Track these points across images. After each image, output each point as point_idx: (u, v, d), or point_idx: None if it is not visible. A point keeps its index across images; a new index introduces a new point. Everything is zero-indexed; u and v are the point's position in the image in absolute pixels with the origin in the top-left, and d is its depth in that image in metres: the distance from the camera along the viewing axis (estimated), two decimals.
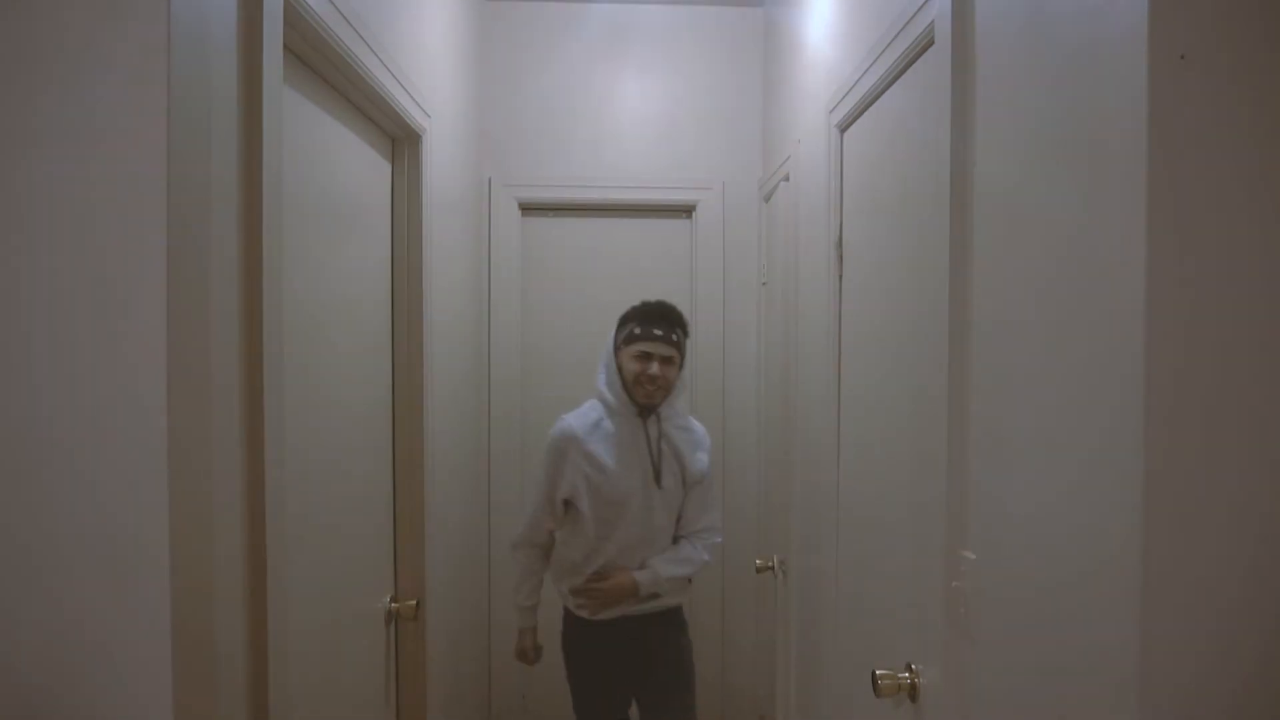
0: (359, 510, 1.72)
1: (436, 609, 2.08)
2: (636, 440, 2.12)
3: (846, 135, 1.85)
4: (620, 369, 2.13)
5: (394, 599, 1.92)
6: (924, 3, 1.30)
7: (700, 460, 2.19)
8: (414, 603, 1.92)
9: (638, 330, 2.12)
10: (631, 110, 3.05)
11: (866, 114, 1.70)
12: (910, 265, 1.42)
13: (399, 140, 1.93)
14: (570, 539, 2.16)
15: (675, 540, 2.19)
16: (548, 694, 3.12)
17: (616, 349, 2.15)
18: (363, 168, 1.75)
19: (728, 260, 3.05)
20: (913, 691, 1.34)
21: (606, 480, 2.07)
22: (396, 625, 1.93)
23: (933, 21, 1.26)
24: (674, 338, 2.12)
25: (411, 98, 1.85)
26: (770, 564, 2.55)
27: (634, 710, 2.25)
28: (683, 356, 2.17)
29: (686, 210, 3.08)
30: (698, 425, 2.27)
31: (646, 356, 2.09)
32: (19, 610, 0.88)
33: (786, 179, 2.45)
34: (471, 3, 2.74)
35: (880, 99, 1.61)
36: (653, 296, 2.21)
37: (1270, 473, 0.75)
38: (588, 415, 2.15)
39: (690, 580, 2.22)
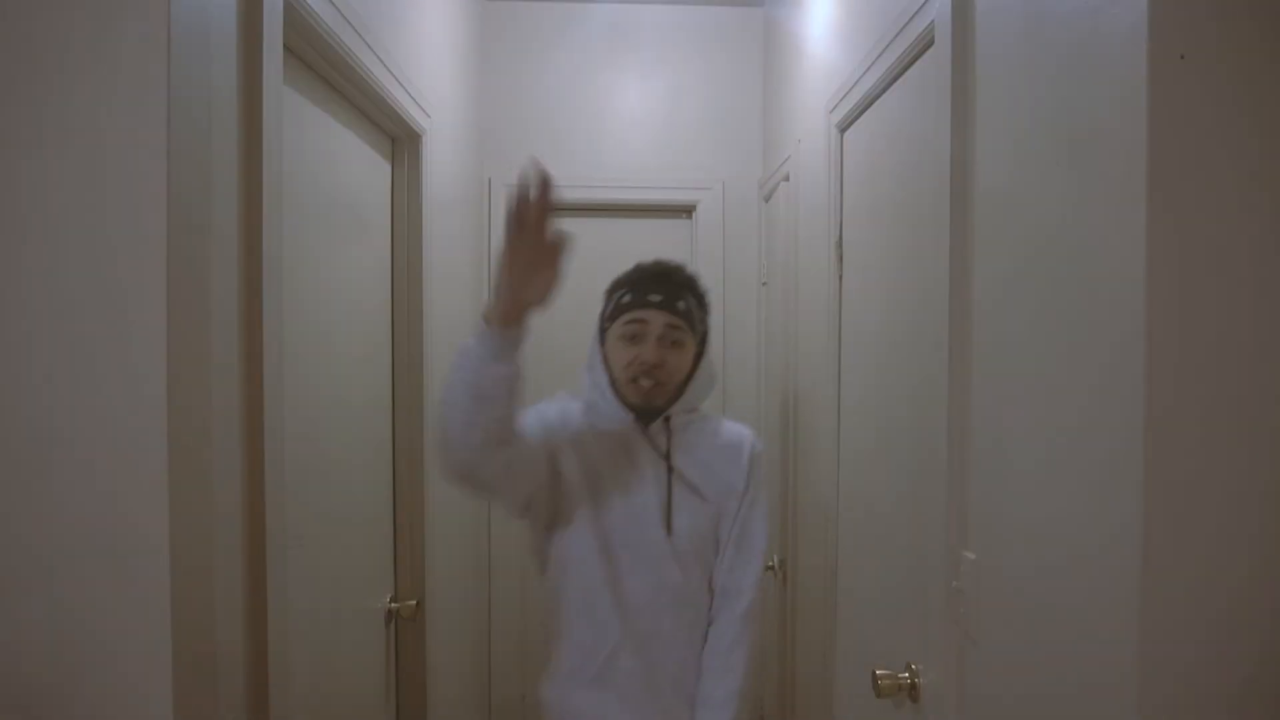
0: (359, 510, 1.72)
1: (436, 609, 2.08)
2: (634, 461, 1.44)
3: (847, 135, 1.85)
4: (606, 359, 1.47)
5: (394, 599, 1.92)
6: (924, 3, 1.30)
7: (734, 480, 1.47)
8: (414, 602, 1.92)
9: (627, 298, 1.45)
10: (631, 110, 3.05)
11: (867, 114, 1.70)
12: (910, 265, 1.42)
13: (399, 140, 1.93)
14: (560, 593, 1.43)
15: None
16: None
17: (603, 331, 1.49)
18: (363, 168, 1.75)
19: (728, 260, 3.05)
20: (913, 691, 1.34)
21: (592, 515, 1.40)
22: (396, 625, 1.93)
23: (932, 21, 1.26)
24: (680, 306, 1.44)
25: (411, 98, 1.85)
26: (771, 563, 2.55)
27: None
28: (699, 337, 1.48)
29: (686, 210, 3.08)
30: (734, 429, 1.55)
31: (639, 331, 1.42)
32: (20, 609, 0.88)
33: (786, 179, 2.45)
34: (471, 3, 2.74)
35: (880, 99, 1.61)
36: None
37: (1270, 472, 0.75)
38: (566, 414, 1.49)
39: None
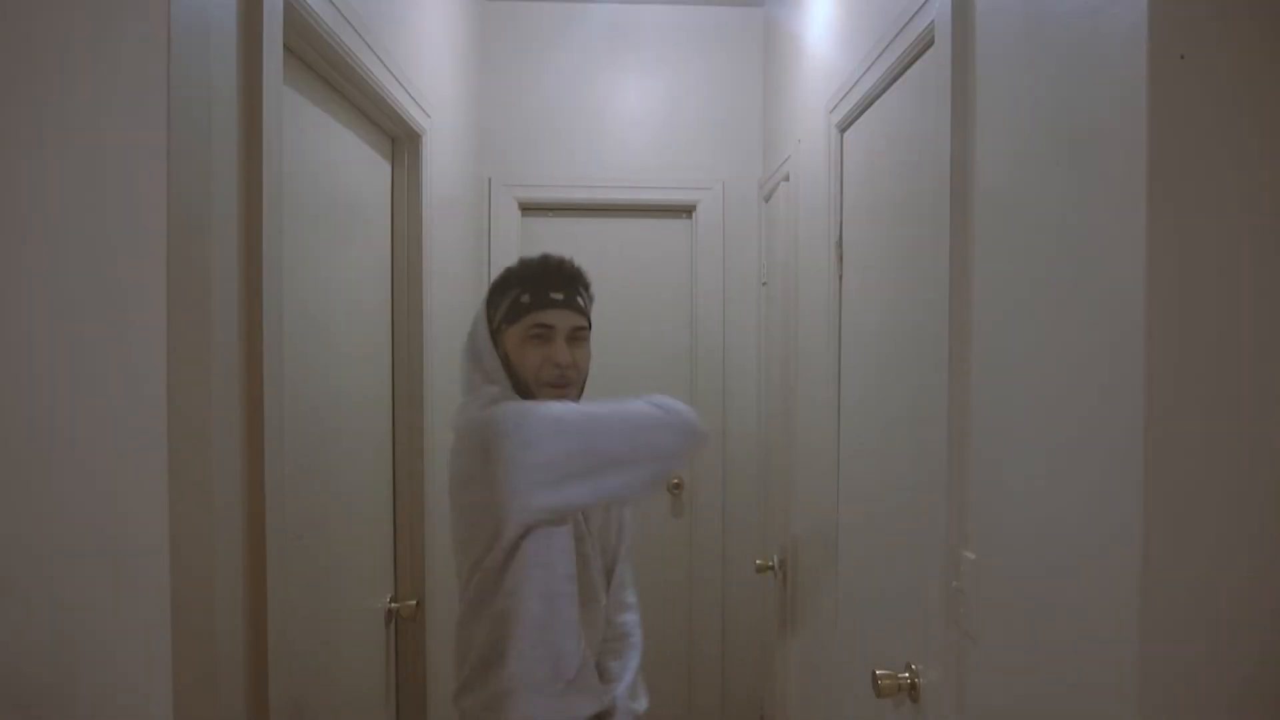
0: (359, 510, 1.72)
1: (436, 609, 2.08)
2: None
3: (847, 135, 1.85)
4: (507, 361, 1.41)
5: (394, 599, 1.92)
6: (924, 3, 1.30)
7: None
8: (414, 602, 1.92)
9: (526, 298, 1.39)
10: (631, 110, 3.05)
11: (867, 114, 1.70)
12: (910, 265, 1.42)
13: (399, 140, 1.93)
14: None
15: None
16: None
17: (494, 334, 1.43)
18: (363, 168, 1.75)
19: (728, 260, 3.05)
20: (913, 691, 1.34)
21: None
22: (396, 625, 1.93)
23: (932, 21, 1.26)
24: (579, 302, 1.43)
25: (411, 98, 1.85)
26: (770, 564, 2.55)
27: None
28: (590, 323, 1.47)
29: (686, 210, 3.08)
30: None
31: (546, 334, 1.38)
32: (19, 610, 0.88)
33: (786, 179, 2.45)
34: (471, 3, 2.74)
35: (880, 99, 1.61)
36: (554, 258, 1.46)
37: (1270, 472, 0.75)
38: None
39: None
